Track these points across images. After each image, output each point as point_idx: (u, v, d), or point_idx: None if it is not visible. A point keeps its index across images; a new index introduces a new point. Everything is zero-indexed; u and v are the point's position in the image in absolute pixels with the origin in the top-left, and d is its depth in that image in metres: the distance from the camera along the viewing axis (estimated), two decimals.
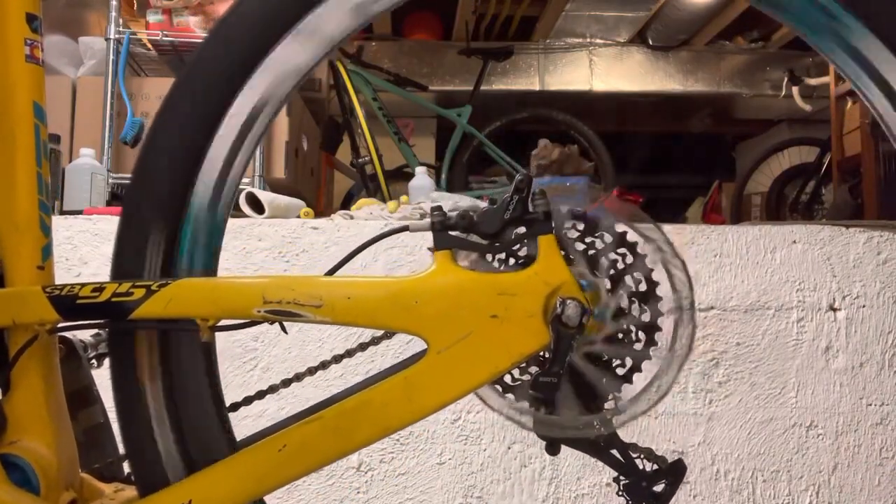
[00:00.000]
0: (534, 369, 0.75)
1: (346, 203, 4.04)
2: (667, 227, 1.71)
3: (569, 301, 0.68)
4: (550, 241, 0.70)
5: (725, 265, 1.72)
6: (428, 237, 0.73)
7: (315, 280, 0.73)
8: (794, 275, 1.72)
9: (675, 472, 0.71)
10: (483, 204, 1.95)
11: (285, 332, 0.74)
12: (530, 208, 0.71)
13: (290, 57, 0.77)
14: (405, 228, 0.74)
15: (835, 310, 1.71)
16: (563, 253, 0.71)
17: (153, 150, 0.79)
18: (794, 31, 0.73)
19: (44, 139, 0.84)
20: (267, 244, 1.71)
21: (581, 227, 0.72)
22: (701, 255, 1.72)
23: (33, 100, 0.83)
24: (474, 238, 0.72)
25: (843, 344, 1.71)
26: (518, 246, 0.73)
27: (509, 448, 1.66)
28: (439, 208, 0.71)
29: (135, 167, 0.79)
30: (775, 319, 1.71)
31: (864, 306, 1.71)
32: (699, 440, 1.69)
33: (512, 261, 0.75)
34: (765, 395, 1.69)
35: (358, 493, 1.65)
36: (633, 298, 0.72)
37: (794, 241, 1.73)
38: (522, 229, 0.72)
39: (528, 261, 0.72)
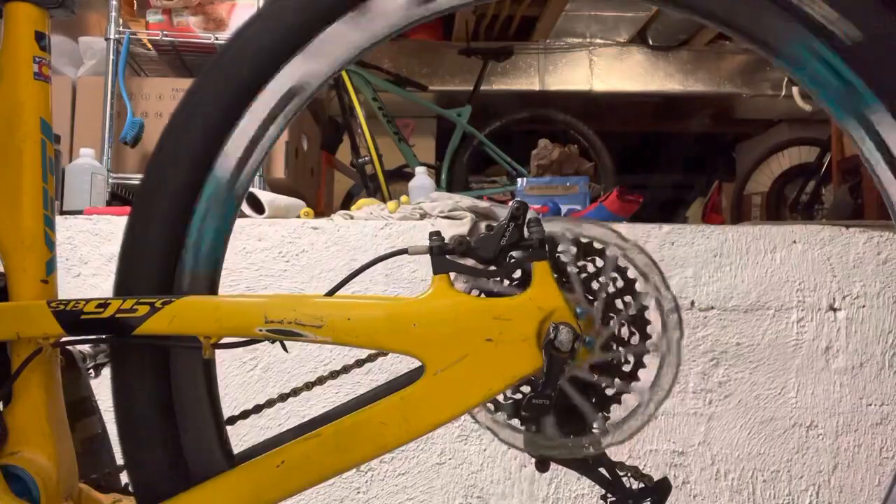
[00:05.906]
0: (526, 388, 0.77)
1: (346, 203, 4.03)
2: (666, 228, 1.72)
3: (561, 326, 0.70)
4: (545, 267, 0.72)
5: (725, 265, 1.72)
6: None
7: (316, 300, 0.75)
8: (794, 275, 1.72)
9: (660, 490, 0.73)
10: (483, 204, 1.96)
11: (286, 350, 0.75)
12: (526, 235, 0.72)
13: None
14: (404, 251, 0.75)
15: (835, 310, 1.72)
16: (556, 278, 0.72)
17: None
18: (810, 94, 0.73)
19: (49, 155, 0.85)
20: (267, 244, 1.72)
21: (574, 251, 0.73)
22: (701, 255, 1.72)
23: (40, 116, 0.84)
24: (472, 263, 0.73)
25: (843, 344, 1.71)
26: (514, 270, 0.74)
27: (509, 448, 1.67)
28: (438, 233, 0.72)
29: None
30: (775, 319, 1.71)
31: (864, 306, 1.71)
32: (699, 440, 1.69)
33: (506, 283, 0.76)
34: (765, 395, 1.70)
35: (358, 493, 1.66)
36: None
37: (794, 241, 1.73)
38: (519, 254, 0.73)
39: (524, 284, 0.73)
